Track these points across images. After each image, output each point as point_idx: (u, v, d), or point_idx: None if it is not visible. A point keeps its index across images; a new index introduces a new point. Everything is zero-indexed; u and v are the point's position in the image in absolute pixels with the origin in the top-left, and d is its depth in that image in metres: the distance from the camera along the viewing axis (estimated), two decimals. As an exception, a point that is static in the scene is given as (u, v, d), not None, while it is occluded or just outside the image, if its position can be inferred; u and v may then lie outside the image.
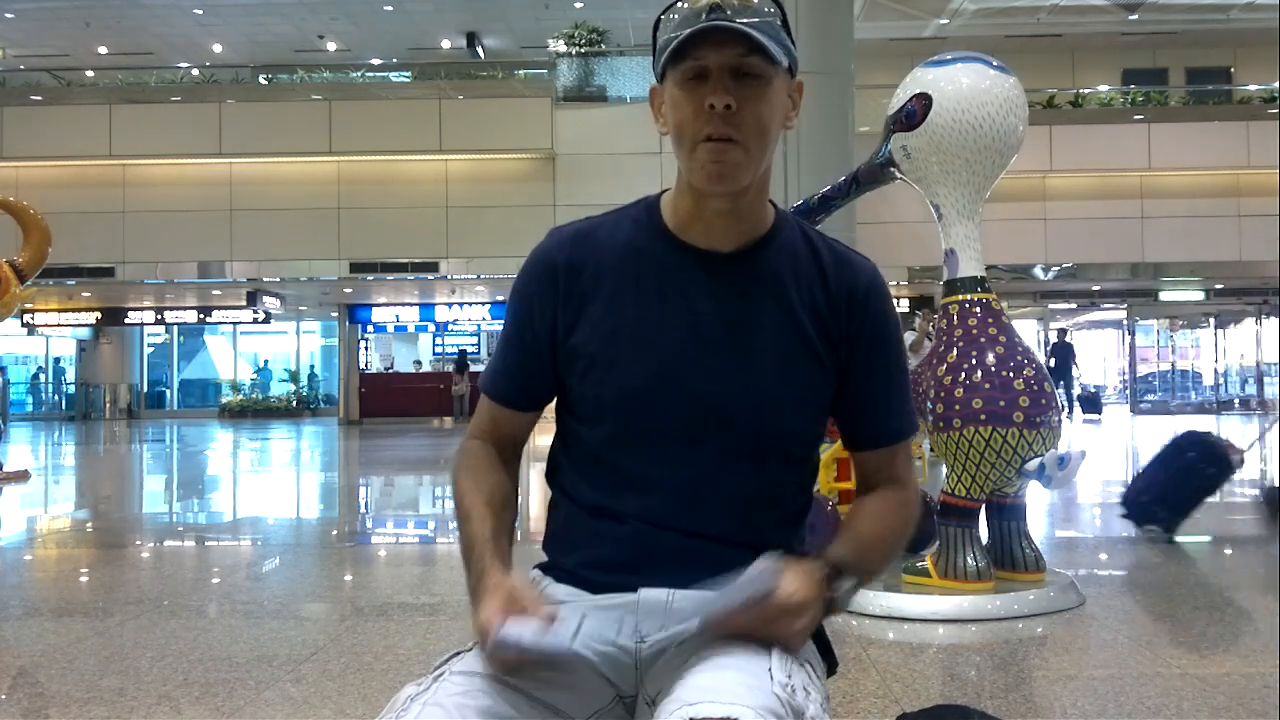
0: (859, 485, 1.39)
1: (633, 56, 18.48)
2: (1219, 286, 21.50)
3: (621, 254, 1.29)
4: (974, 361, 3.89)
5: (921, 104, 3.95)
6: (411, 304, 23.49)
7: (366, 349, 24.15)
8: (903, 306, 19.64)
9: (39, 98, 19.61)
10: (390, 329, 24.64)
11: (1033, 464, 3.78)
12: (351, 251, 18.45)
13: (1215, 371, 23.12)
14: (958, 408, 3.82)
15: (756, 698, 1.02)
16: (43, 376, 27.37)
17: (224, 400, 25.09)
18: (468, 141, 17.94)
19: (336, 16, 21.79)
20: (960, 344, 3.95)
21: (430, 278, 19.42)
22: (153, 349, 26.79)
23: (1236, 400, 22.87)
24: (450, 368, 22.71)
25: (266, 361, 26.94)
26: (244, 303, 21.78)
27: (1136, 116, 18.94)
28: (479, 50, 23.45)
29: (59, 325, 24.46)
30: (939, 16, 19.04)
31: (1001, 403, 3.78)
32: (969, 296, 4.03)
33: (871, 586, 3.79)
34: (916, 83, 4.03)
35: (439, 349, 24.99)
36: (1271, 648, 3.29)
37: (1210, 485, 5.51)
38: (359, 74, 21.65)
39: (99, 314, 23.44)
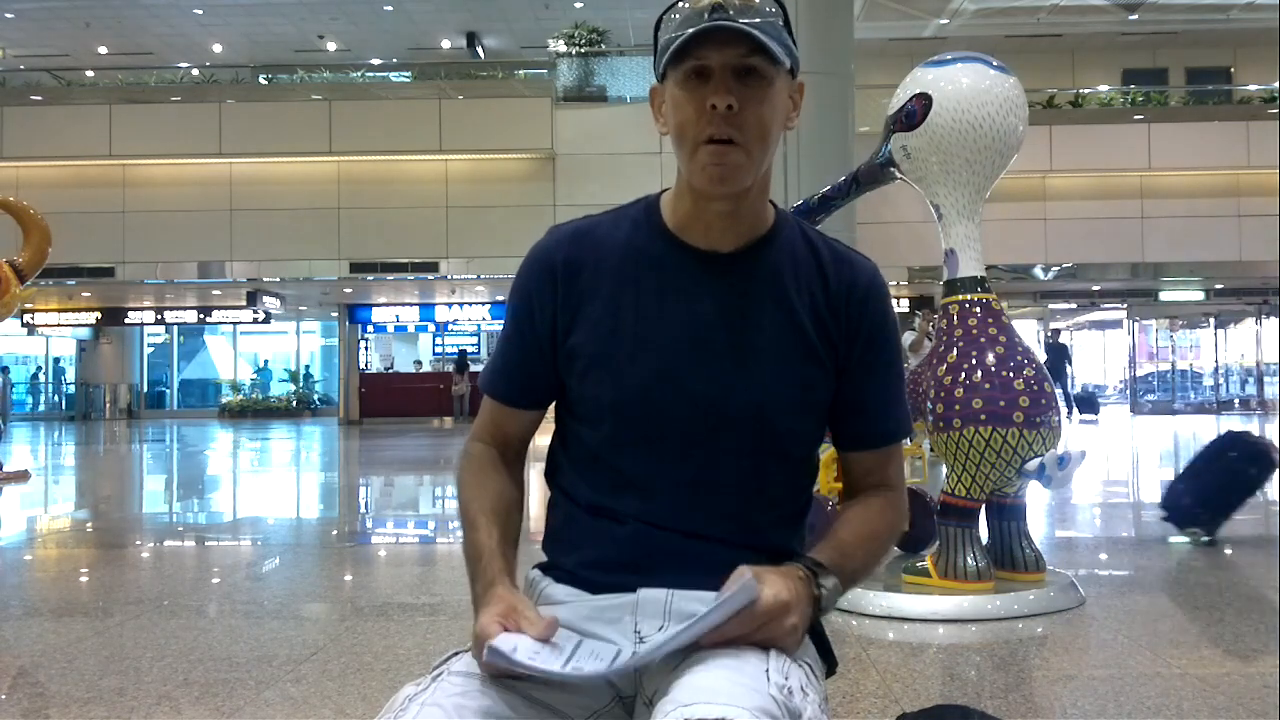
0: (848, 488, 1.38)
1: (633, 56, 18.49)
2: (1219, 286, 21.50)
3: (621, 254, 1.29)
4: (974, 361, 3.89)
5: (921, 104, 3.95)
6: (411, 304, 23.49)
7: (366, 349, 24.15)
8: (903, 306, 19.65)
9: (39, 98, 19.63)
10: (390, 329, 24.64)
11: (1033, 464, 3.78)
12: (351, 251, 18.45)
13: (1215, 371, 23.12)
14: (958, 408, 3.82)
15: (753, 699, 1.02)
16: (42, 376, 27.37)
17: (224, 400, 25.10)
18: (468, 141, 17.94)
19: (336, 16, 21.80)
20: (960, 344, 3.95)
21: (430, 278, 19.42)
22: (153, 349, 26.80)
23: (1236, 400, 22.88)
24: (450, 368, 22.71)
25: (266, 361, 26.95)
26: (244, 303, 21.78)
27: (1136, 116, 18.94)
28: (479, 50, 23.46)
29: (59, 325, 24.47)
30: (939, 16, 19.04)
31: (1001, 403, 3.78)
32: (969, 296, 4.03)
33: (871, 586, 3.80)
34: (916, 83, 4.03)
35: (439, 349, 24.99)
36: (1271, 648, 3.29)
37: (1252, 486, 5.46)
38: (359, 74, 21.65)
39: (99, 314, 23.44)
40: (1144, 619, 3.78)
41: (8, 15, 21.32)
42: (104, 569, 5.27)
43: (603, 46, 19.15)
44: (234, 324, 24.88)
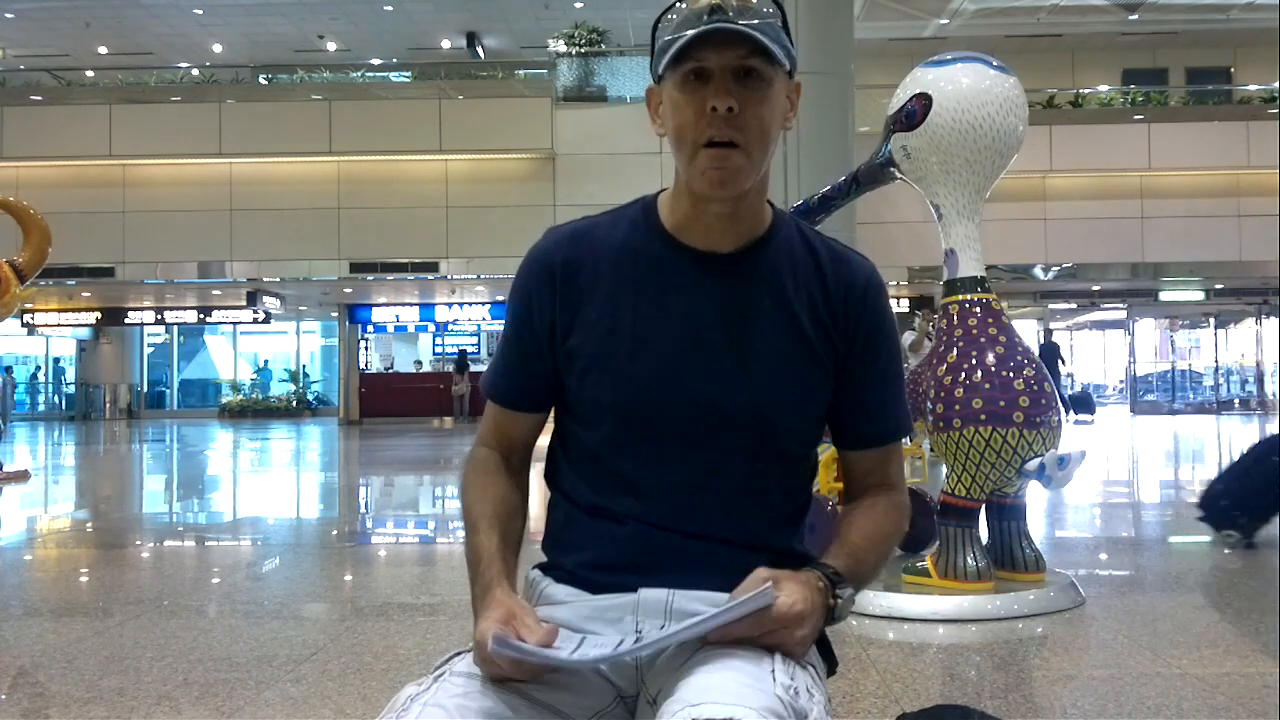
0: (849, 488, 1.38)
1: (633, 56, 18.49)
2: (1219, 286, 21.51)
3: (619, 255, 1.29)
4: (974, 361, 3.89)
5: (921, 104, 3.95)
6: (411, 304, 23.50)
7: (366, 349, 24.16)
8: (903, 306, 19.65)
9: (39, 98, 19.63)
10: (390, 329, 24.65)
11: (1033, 464, 3.78)
12: (351, 251, 18.46)
13: (1215, 371, 23.13)
14: (958, 408, 3.82)
15: (759, 699, 1.02)
16: (42, 376, 27.38)
17: (224, 400, 25.11)
18: (468, 141, 17.94)
19: (336, 16, 21.80)
20: (960, 344, 3.95)
21: (430, 278, 19.43)
22: (153, 349, 26.81)
23: (1236, 400, 22.88)
24: (450, 368, 22.71)
25: (266, 361, 26.96)
26: (244, 303, 21.79)
27: (1136, 116, 18.94)
28: (479, 50, 23.46)
29: (59, 325, 24.48)
30: (939, 16, 19.04)
31: (1001, 403, 3.78)
32: (969, 296, 4.03)
33: (871, 586, 3.79)
34: (916, 83, 4.03)
35: (439, 349, 24.99)
36: (1271, 648, 3.29)
37: None
38: (359, 74, 21.66)
39: (99, 314, 23.45)
40: (1144, 619, 3.78)
41: (8, 15, 21.33)
42: (104, 569, 5.27)
43: (603, 46, 19.15)
44: (234, 324, 24.89)
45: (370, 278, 19.26)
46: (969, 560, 3.85)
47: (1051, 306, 23.98)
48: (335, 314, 23.55)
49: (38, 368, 27.38)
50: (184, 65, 22.66)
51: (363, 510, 8.34)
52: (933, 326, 7.84)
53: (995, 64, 4.00)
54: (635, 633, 1.20)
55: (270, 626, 3.82)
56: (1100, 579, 4.68)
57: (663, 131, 1.26)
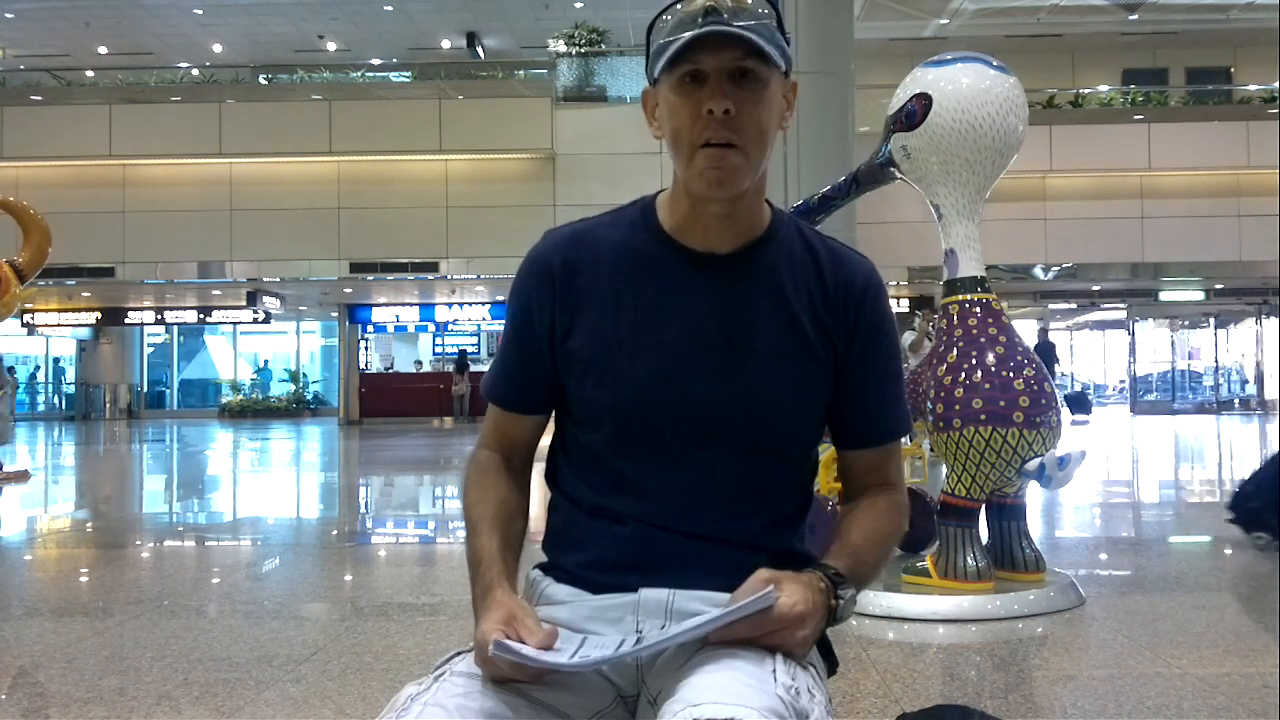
0: (848, 488, 1.37)
1: (633, 56, 18.49)
2: (1219, 286, 21.51)
3: (618, 256, 1.29)
4: (974, 361, 3.89)
5: (921, 104, 3.95)
6: (411, 304, 23.50)
7: (366, 349, 24.16)
8: (903, 306, 19.65)
9: (39, 98, 19.62)
10: (390, 329, 24.64)
11: (1033, 464, 3.77)
12: (351, 251, 18.46)
13: (1215, 371, 23.13)
14: (958, 408, 3.82)
15: (761, 699, 1.01)
16: (42, 376, 27.37)
17: (224, 400, 25.11)
18: (468, 141, 17.94)
19: (336, 16, 21.80)
20: (960, 344, 3.95)
21: (430, 278, 19.42)
22: (153, 349, 26.81)
23: (1236, 400, 22.89)
24: (450, 368, 22.71)
25: (266, 361, 26.96)
26: (244, 303, 21.79)
27: (1136, 116, 18.94)
28: (479, 50, 23.46)
29: (59, 325, 24.48)
30: (939, 16, 19.04)
31: (1001, 403, 3.78)
32: (969, 296, 4.03)
33: (871, 586, 3.79)
34: (916, 83, 4.03)
35: (439, 349, 24.99)
36: (1271, 648, 3.29)
37: None
38: (359, 74, 21.65)
39: (99, 314, 23.45)
40: (1144, 619, 3.79)
41: (8, 15, 21.33)
42: (104, 569, 5.27)
43: (603, 46, 19.15)
44: (234, 324, 24.89)
45: (370, 278, 19.26)
46: (969, 560, 3.85)
47: (1051, 306, 23.97)
48: (335, 314, 23.55)
49: (37, 367, 27.38)
50: (184, 65, 22.65)
51: (363, 510, 8.34)
52: (933, 326, 7.84)
53: (995, 64, 4.00)
54: (636, 633, 1.20)
55: (270, 626, 3.82)
56: (1100, 579, 4.68)
57: (659, 134, 1.26)
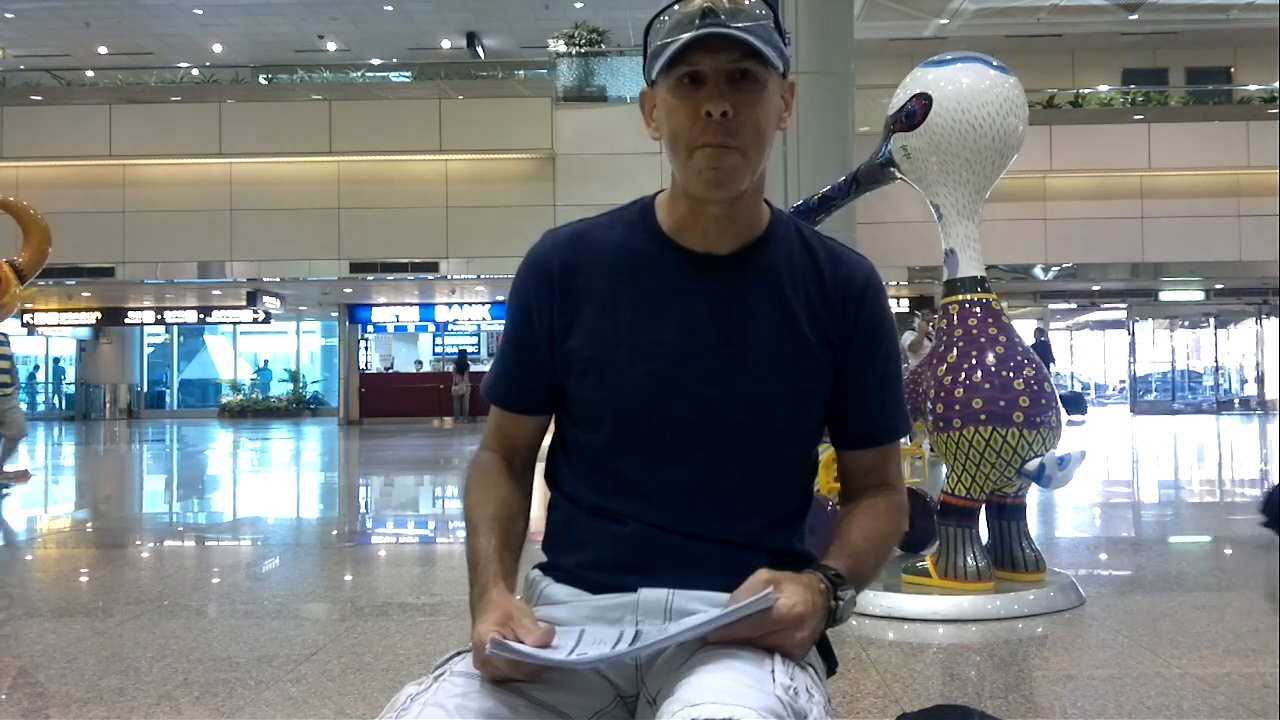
0: (847, 488, 1.37)
1: (633, 56, 18.48)
2: (1219, 286, 21.51)
3: (617, 257, 1.29)
4: (974, 361, 3.89)
5: (921, 104, 3.95)
6: (411, 304, 23.50)
7: (366, 349, 24.16)
8: (903, 306, 19.65)
9: (39, 98, 19.62)
10: (390, 329, 24.64)
11: (1033, 464, 3.78)
12: (351, 251, 18.46)
13: (1215, 371, 23.13)
14: (958, 408, 3.82)
15: (760, 699, 1.01)
16: (42, 376, 27.37)
17: (224, 400, 25.11)
18: (468, 141, 17.94)
19: (336, 16, 21.80)
20: (960, 344, 3.95)
21: (430, 278, 19.42)
22: (153, 349, 26.81)
23: (1236, 400, 22.88)
24: (450, 368, 22.71)
25: (266, 361, 26.95)
26: (244, 303, 21.79)
27: (1136, 116, 18.94)
28: (479, 50, 23.46)
29: (59, 325, 24.48)
30: (939, 16, 19.04)
31: (1001, 403, 3.78)
32: (969, 296, 4.03)
33: (871, 586, 3.79)
34: (916, 83, 4.03)
35: (439, 349, 24.99)
36: (1271, 648, 3.29)
37: None
38: (359, 74, 21.65)
39: (99, 314, 23.45)
40: (1144, 619, 3.79)
41: (8, 15, 21.33)
42: (104, 569, 5.27)
43: (603, 46, 19.15)
44: (234, 324, 24.89)
45: (370, 278, 19.26)
46: (969, 560, 3.85)
47: (1051, 306, 23.97)
48: (335, 314, 23.55)
49: (37, 367, 27.38)
50: (184, 65, 22.65)
51: (363, 510, 8.34)
52: (932, 326, 7.84)
53: (995, 64, 4.00)
54: (634, 626, 1.20)
55: (270, 626, 3.82)
56: (1100, 579, 4.68)
57: (657, 135, 1.26)
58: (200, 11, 21.49)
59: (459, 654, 1.18)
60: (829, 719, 1.11)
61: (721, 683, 1.04)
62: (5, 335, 9.45)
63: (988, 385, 3.81)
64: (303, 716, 2.71)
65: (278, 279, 19.74)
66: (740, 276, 1.28)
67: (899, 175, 4.24)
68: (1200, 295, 22.36)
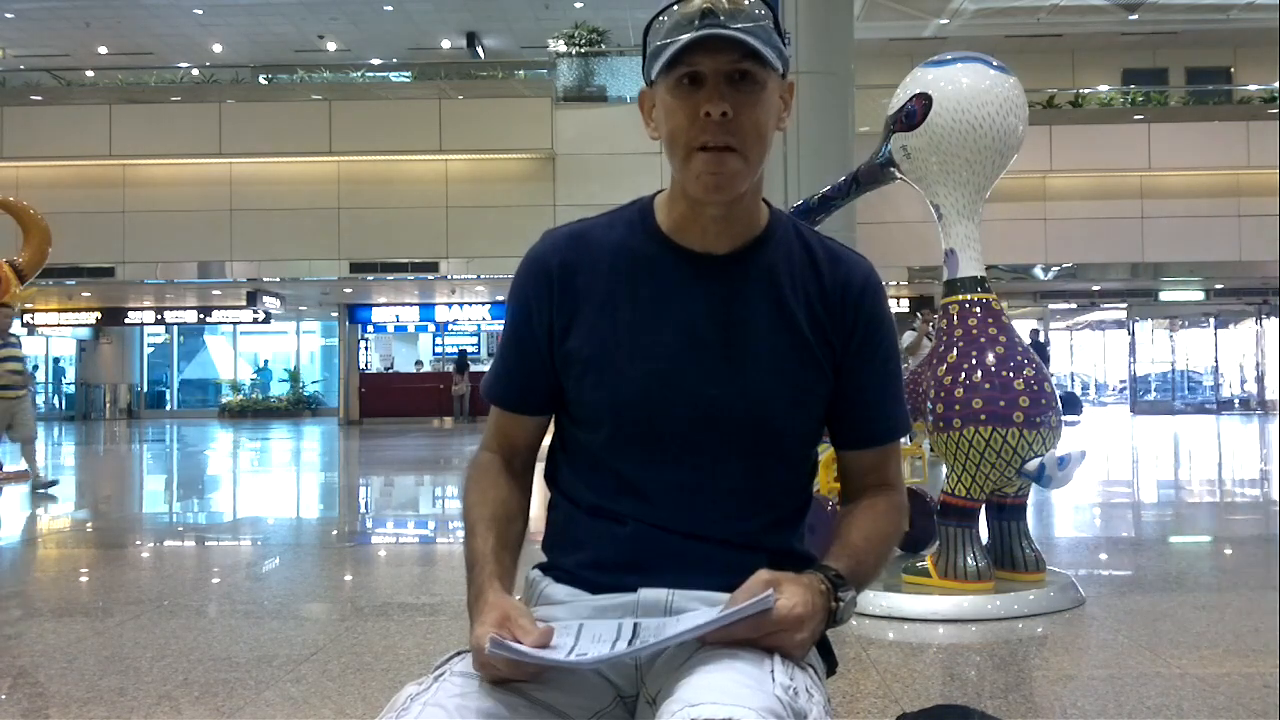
0: (847, 488, 1.37)
1: (633, 56, 18.48)
2: (1219, 286, 21.51)
3: (616, 257, 1.29)
4: (974, 361, 3.89)
5: (921, 104, 3.95)
6: (411, 304, 23.50)
7: (366, 349, 24.16)
8: (903, 306, 19.65)
9: (39, 98, 19.62)
10: (390, 329, 24.65)
11: (1033, 464, 3.78)
12: (351, 251, 18.46)
13: (1215, 371, 23.14)
14: (958, 408, 3.82)
15: (759, 699, 1.01)
16: (41, 376, 27.36)
17: (224, 400, 25.12)
18: (468, 141, 17.94)
19: (336, 16, 21.80)
20: (960, 344, 3.95)
21: (430, 278, 19.43)
22: (153, 349, 26.81)
23: (1236, 400, 22.88)
24: (450, 368, 22.71)
25: (266, 361, 26.95)
26: (244, 303, 21.80)
27: (1136, 116, 18.94)
28: (479, 50, 23.46)
29: (59, 325, 24.49)
30: (939, 16, 19.05)
31: (1001, 403, 3.78)
32: (969, 296, 4.03)
33: (872, 586, 3.79)
34: (916, 83, 4.03)
35: (439, 349, 25.00)
36: (1271, 648, 3.29)
37: None
38: (359, 74, 21.66)
39: (99, 314, 23.46)
40: (1144, 619, 3.78)
41: (8, 15, 21.33)
42: (104, 569, 5.27)
43: (603, 46, 19.15)
44: (234, 324, 24.90)
45: (370, 278, 19.26)
46: (969, 560, 3.85)
47: (1051, 306, 23.98)
48: (335, 314, 23.55)
49: (36, 367, 27.36)
50: (184, 65, 22.66)
51: (363, 510, 8.34)
52: (932, 326, 7.84)
53: (995, 64, 4.00)
54: (633, 619, 1.20)
55: (270, 626, 3.82)
56: (1100, 579, 4.68)
57: (656, 135, 1.26)
58: (200, 11, 21.49)
59: (459, 654, 1.17)
60: (829, 719, 1.11)
61: (721, 683, 1.04)
62: (17, 338, 9.46)
63: (988, 385, 3.82)
64: (303, 716, 2.71)
65: (278, 279, 19.75)
66: (739, 276, 1.28)
67: (899, 175, 4.24)
68: (1200, 295, 22.36)
